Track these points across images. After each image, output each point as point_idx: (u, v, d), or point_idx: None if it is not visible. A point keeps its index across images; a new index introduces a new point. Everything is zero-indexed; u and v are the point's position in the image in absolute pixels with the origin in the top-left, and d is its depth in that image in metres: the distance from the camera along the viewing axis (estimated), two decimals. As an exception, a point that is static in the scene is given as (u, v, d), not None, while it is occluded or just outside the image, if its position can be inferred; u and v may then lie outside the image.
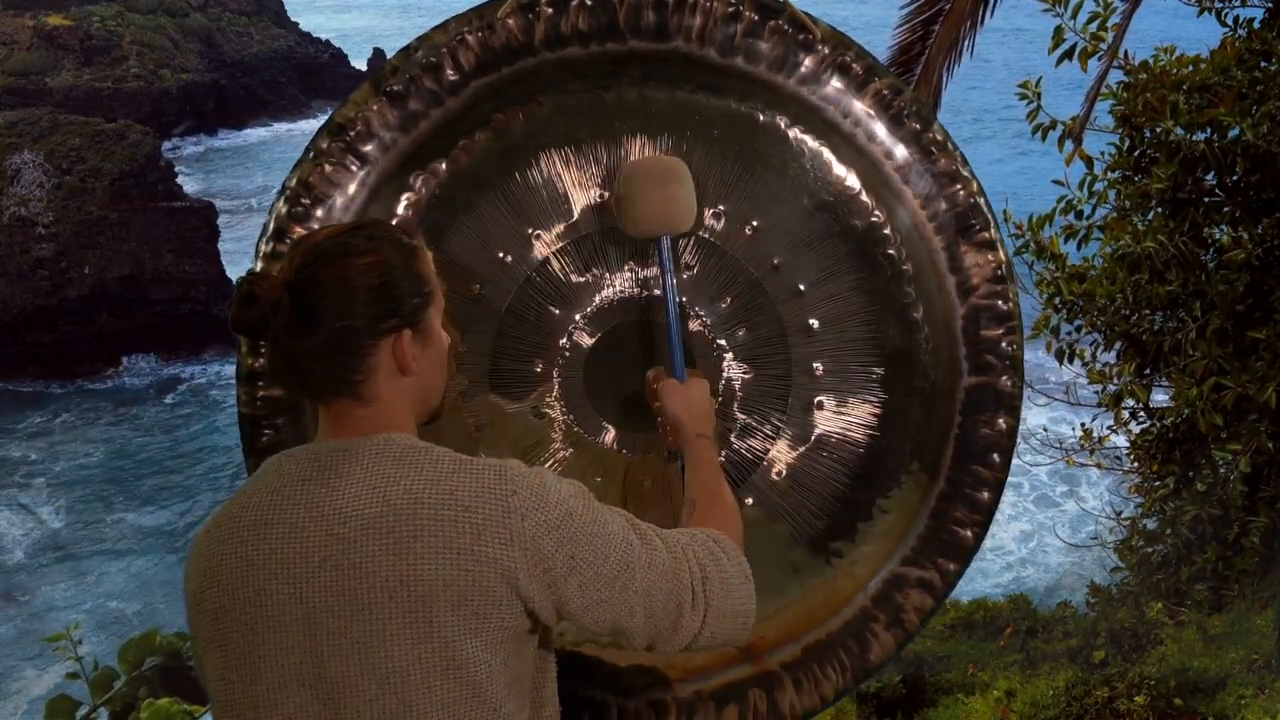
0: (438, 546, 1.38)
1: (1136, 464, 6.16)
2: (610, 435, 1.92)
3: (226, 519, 1.47)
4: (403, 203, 1.88)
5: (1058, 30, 5.20)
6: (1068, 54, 5.25)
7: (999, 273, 1.93)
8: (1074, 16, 5.15)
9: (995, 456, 1.92)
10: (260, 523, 1.44)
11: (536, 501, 1.42)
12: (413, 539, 1.38)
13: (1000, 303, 1.92)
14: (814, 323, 1.93)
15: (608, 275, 1.91)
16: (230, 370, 24.51)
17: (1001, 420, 1.92)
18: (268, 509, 1.44)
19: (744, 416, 1.93)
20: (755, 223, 1.92)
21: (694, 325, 1.92)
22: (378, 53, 41.20)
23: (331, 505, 1.42)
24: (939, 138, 1.93)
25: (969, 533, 1.92)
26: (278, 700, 1.40)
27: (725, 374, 1.92)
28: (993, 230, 1.93)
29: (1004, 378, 1.93)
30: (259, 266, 1.81)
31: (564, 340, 1.91)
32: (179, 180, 28.43)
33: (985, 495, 1.92)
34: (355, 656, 1.38)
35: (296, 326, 1.43)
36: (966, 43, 6.80)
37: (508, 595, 1.39)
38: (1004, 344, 1.93)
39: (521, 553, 1.39)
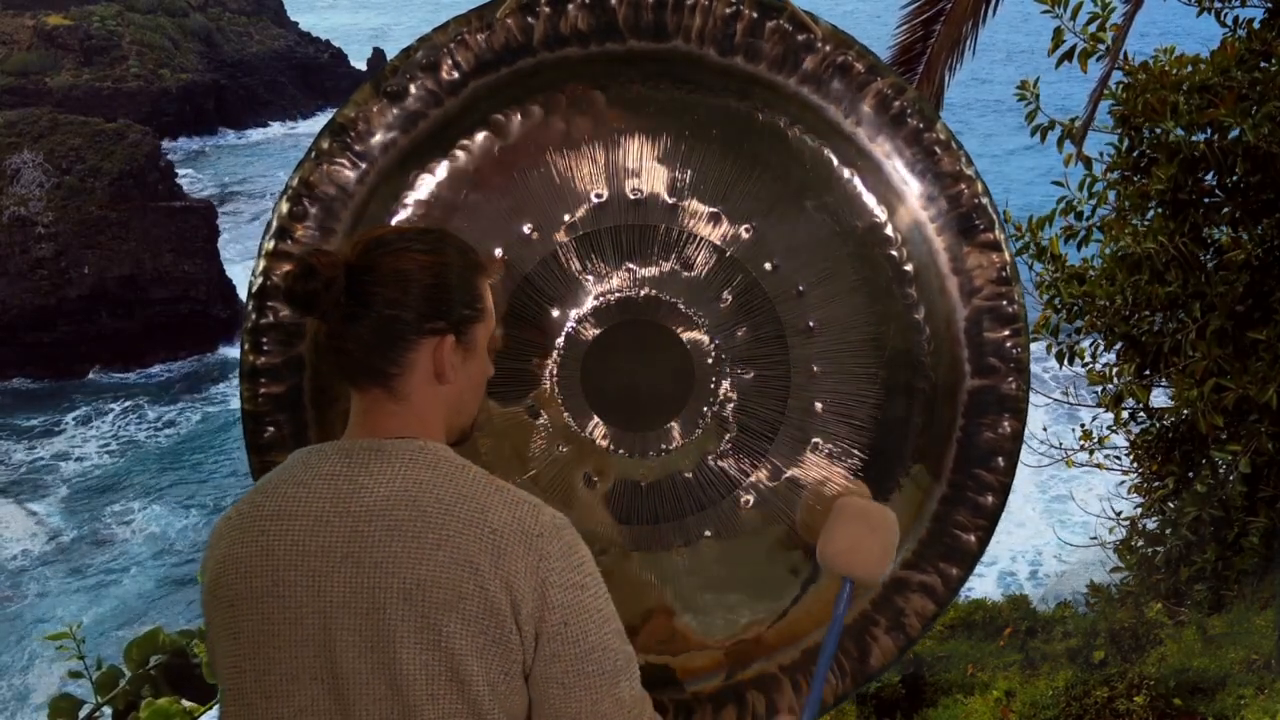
0: (459, 559, 1.39)
1: (1136, 464, 6.16)
2: (607, 435, 1.92)
3: (249, 508, 1.48)
4: (403, 202, 1.89)
5: (1057, 31, 5.21)
6: (1067, 55, 5.26)
7: (1003, 274, 1.91)
8: (1074, 18, 5.16)
9: (999, 460, 1.90)
10: (283, 514, 1.44)
11: (560, 552, 1.43)
12: (436, 547, 1.39)
13: (1004, 304, 1.90)
14: (813, 324, 1.92)
15: (606, 275, 1.92)
16: (229, 369, 24.53)
17: (1006, 423, 1.90)
18: (292, 500, 1.45)
19: (742, 418, 1.92)
20: (754, 223, 1.92)
21: (692, 326, 1.92)
22: (377, 52, 41.26)
23: (358, 502, 1.42)
24: (942, 137, 1.92)
25: (972, 537, 1.90)
26: (290, 691, 1.41)
27: (723, 375, 1.92)
28: (997, 231, 1.91)
29: (1008, 380, 1.90)
30: (262, 265, 1.82)
31: (562, 340, 1.91)
32: (179, 180, 28.44)
33: (989, 499, 1.90)
34: (368, 655, 1.39)
35: (347, 307, 1.46)
36: (969, 42, 6.79)
37: (511, 622, 1.39)
38: (1008, 346, 1.91)
39: (532, 589, 1.40)
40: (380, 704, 1.39)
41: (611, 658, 1.44)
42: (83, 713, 2.43)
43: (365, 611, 1.39)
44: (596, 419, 1.91)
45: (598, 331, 1.91)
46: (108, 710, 2.44)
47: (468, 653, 1.38)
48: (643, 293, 1.91)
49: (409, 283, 1.47)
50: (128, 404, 24.90)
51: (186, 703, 2.36)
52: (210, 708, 2.46)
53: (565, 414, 1.91)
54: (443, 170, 1.90)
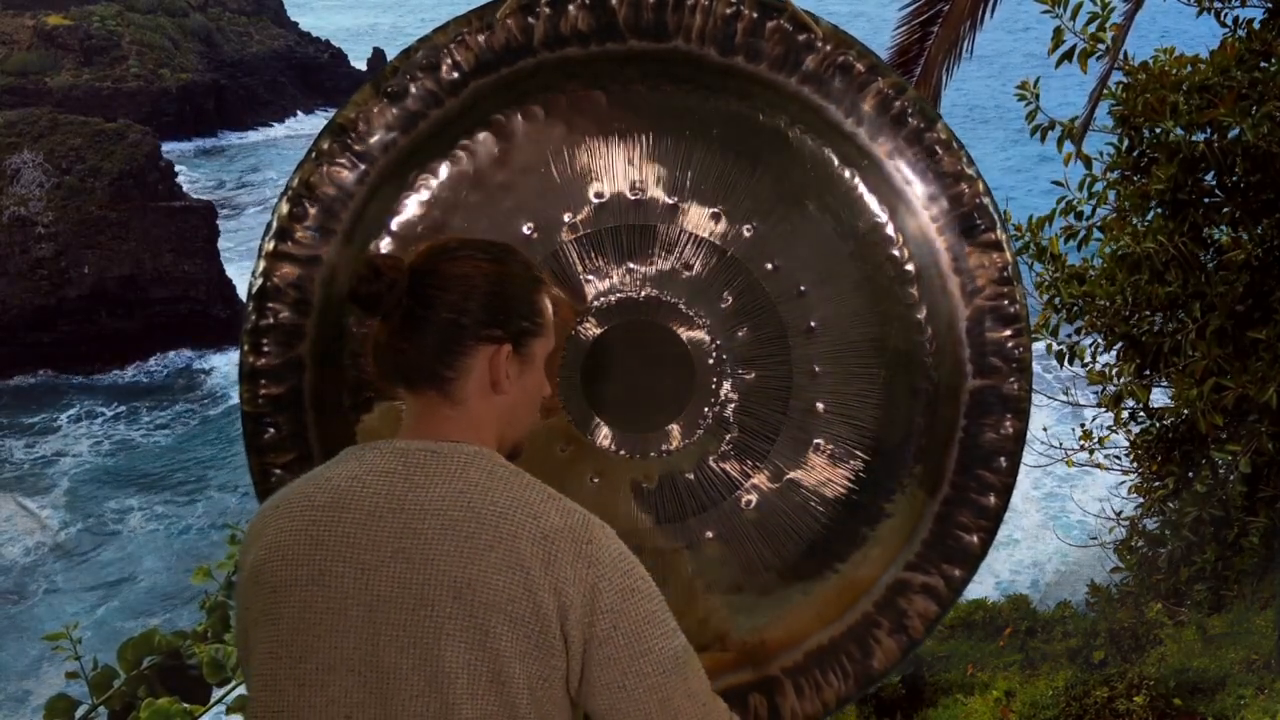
0: (511, 562, 1.40)
1: (1136, 464, 6.16)
2: (608, 436, 1.92)
3: (300, 497, 1.49)
4: (403, 202, 1.89)
5: (1057, 31, 5.21)
6: (1067, 55, 5.25)
7: (1005, 274, 1.90)
8: (1074, 18, 5.15)
9: (1002, 461, 1.89)
10: (336, 505, 1.46)
11: (610, 559, 1.45)
12: (488, 548, 1.41)
13: (1006, 304, 1.90)
14: (814, 324, 1.92)
15: (607, 275, 1.91)
16: (229, 369, 24.52)
17: (1008, 424, 1.89)
18: (345, 493, 1.46)
19: (743, 418, 1.92)
20: (755, 223, 1.92)
21: (693, 326, 1.92)
22: (377, 52, 41.26)
23: (413, 500, 1.44)
24: (943, 136, 1.91)
25: (975, 538, 1.89)
26: (325, 681, 1.42)
27: (724, 376, 1.92)
28: (998, 230, 1.91)
29: (1010, 380, 1.89)
30: (262, 266, 1.83)
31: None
32: (178, 180, 28.44)
33: (991, 500, 1.89)
34: (410, 651, 1.40)
35: (409, 309, 1.49)
36: (966, 43, 6.80)
37: (557, 630, 1.41)
38: (1010, 346, 1.90)
39: (580, 595, 1.41)
40: (418, 700, 1.40)
41: (671, 656, 1.45)
42: (79, 713, 2.43)
43: (412, 607, 1.40)
44: (597, 420, 1.91)
45: (598, 332, 1.91)
46: (103, 710, 2.44)
47: (511, 655, 1.39)
48: (643, 293, 1.91)
49: (471, 289, 1.50)
50: (127, 404, 24.91)
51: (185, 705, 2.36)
52: (210, 708, 2.46)
53: (566, 415, 1.90)
54: (443, 171, 1.89)
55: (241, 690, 2.34)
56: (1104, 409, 5.77)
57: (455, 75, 1.87)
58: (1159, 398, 5.81)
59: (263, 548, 1.48)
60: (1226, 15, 5.34)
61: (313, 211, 1.85)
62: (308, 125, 38.91)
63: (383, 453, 1.50)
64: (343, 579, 1.42)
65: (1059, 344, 5.53)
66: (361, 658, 1.41)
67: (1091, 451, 6.06)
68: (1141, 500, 6.34)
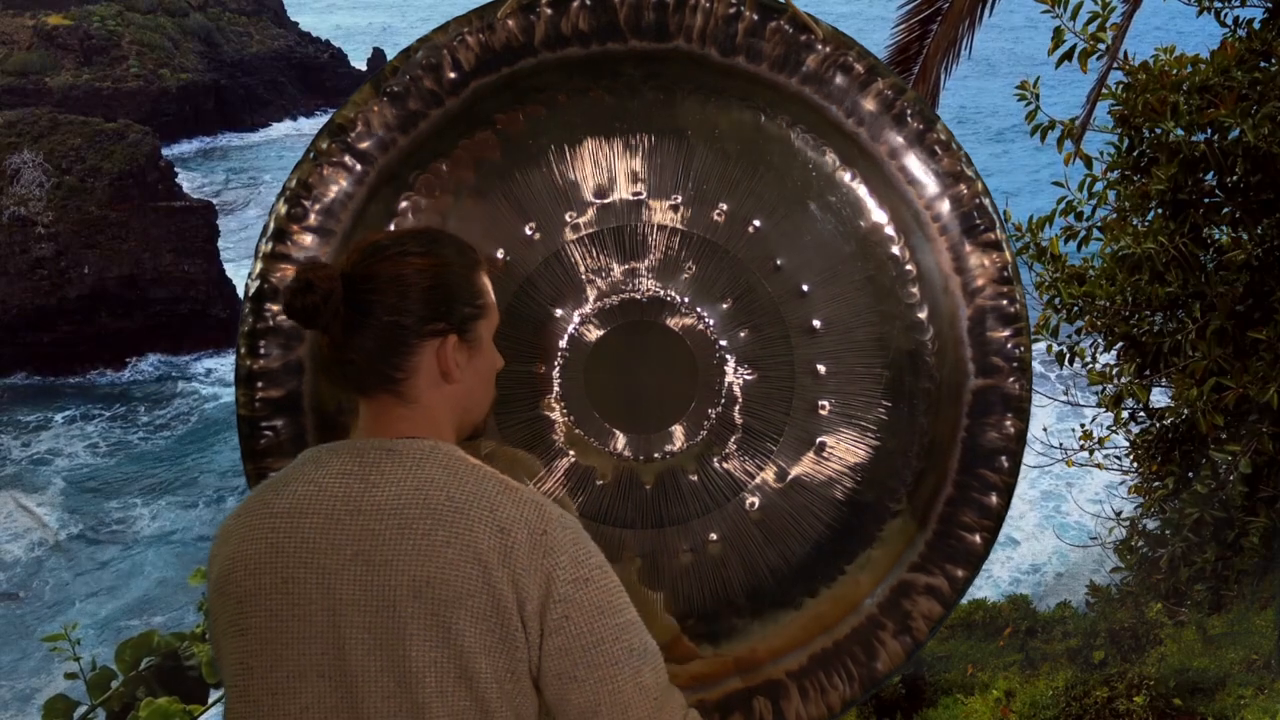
0: (469, 556, 1.40)
1: (1136, 464, 6.15)
2: (611, 437, 1.91)
3: (260, 505, 1.48)
4: (402, 203, 1.88)
5: (1057, 31, 5.20)
6: (1067, 55, 5.25)
7: (1004, 273, 1.91)
8: (1073, 18, 5.15)
9: (1003, 460, 1.89)
10: (294, 511, 1.45)
11: (565, 548, 1.44)
12: (445, 545, 1.40)
13: (1006, 304, 1.90)
14: (817, 324, 1.92)
15: (608, 275, 1.91)
16: (228, 369, 24.52)
17: (1009, 423, 1.89)
18: (303, 498, 1.45)
19: (747, 419, 1.92)
20: (757, 223, 1.92)
21: (696, 326, 1.92)
22: (377, 52, 41.25)
23: (369, 501, 1.43)
24: (942, 137, 1.92)
25: (978, 538, 1.89)
26: (296, 689, 1.41)
27: (727, 376, 1.92)
28: (998, 230, 1.91)
29: (1011, 380, 1.90)
30: (259, 267, 1.82)
31: (564, 341, 1.90)
32: (178, 180, 28.43)
33: (994, 499, 1.89)
34: (377, 652, 1.40)
35: (347, 317, 1.46)
36: (965, 42, 6.80)
37: (518, 621, 1.40)
38: (1011, 345, 1.90)
39: (537, 586, 1.41)
40: (389, 701, 1.39)
41: (624, 647, 1.44)
42: (77, 714, 2.42)
43: (375, 609, 1.40)
44: (600, 421, 1.91)
45: (601, 333, 1.91)
46: (102, 711, 2.43)
47: (476, 650, 1.39)
48: (646, 293, 1.91)
49: (407, 287, 1.47)
50: (127, 404, 24.89)
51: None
52: (209, 708, 2.45)
53: (569, 416, 1.90)
54: (444, 171, 1.89)
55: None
56: (1104, 409, 5.77)
57: (455, 75, 1.87)
58: (1159, 398, 5.80)
59: (225, 559, 1.47)
60: (1226, 15, 5.34)
61: (312, 212, 1.84)
62: (308, 125, 38.89)
63: (339, 453, 1.49)
64: (305, 585, 1.42)
65: (1059, 344, 5.52)
66: (330, 662, 1.40)
67: (1091, 451, 6.06)
68: (1141, 500, 6.33)
